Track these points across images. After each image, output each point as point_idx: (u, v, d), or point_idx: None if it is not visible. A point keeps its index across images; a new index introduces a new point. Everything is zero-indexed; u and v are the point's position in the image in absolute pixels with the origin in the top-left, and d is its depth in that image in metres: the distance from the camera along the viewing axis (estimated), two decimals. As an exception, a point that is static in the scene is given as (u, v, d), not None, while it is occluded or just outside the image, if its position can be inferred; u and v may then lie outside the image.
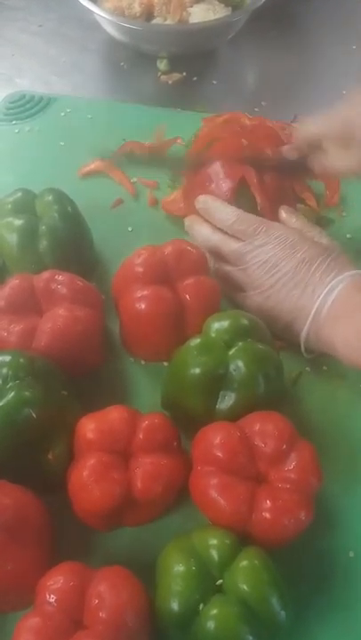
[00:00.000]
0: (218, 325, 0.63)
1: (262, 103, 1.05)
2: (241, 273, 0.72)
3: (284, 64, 1.14)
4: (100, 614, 0.48)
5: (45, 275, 0.67)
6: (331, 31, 1.21)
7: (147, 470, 0.55)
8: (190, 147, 0.89)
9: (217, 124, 0.90)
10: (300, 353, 0.72)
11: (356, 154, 0.70)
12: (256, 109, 1.03)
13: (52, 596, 0.49)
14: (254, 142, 0.83)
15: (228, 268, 0.73)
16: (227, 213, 0.73)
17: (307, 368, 0.72)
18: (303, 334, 0.68)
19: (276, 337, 0.70)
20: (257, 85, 1.13)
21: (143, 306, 0.65)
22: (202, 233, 0.76)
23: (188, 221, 0.79)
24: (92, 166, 0.90)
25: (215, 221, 0.75)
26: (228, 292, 0.75)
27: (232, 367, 0.60)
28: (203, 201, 0.77)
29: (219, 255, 0.74)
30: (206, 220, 0.77)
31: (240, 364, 0.60)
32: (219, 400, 0.61)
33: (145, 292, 0.66)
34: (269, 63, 1.15)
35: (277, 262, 0.69)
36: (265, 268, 0.69)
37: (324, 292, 0.66)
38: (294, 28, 1.22)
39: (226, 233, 0.74)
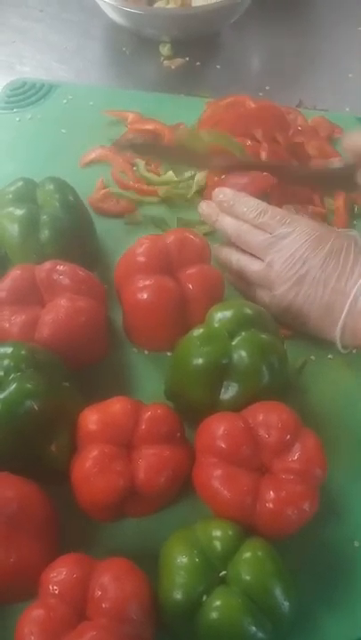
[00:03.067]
0: (221, 315, 0.62)
1: (266, 88, 1.03)
2: (267, 268, 0.69)
3: (288, 47, 1.12)
4: (104, 606, 0.48)
5: (47, 265, 0.66)
6: (336, 13, 1.19)
7: (150, 461, 0.55)
8: (194, 132, 0.88)
9: (221, 106, 0.89)
10: (305, 341, 0.71)
11: None
12: (260, 94, 1.01)
13: (55, 587, 0.49)
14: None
15: (256, 267, 0.70)
16: (252, 205, 0.71)
17: (312, 357, 0.71)
18: (338, 329, 0.66)
19: (302, 332, 0.70)
20: (261, 70, 1.11)
21: (146, 296, 0.65)
22: (228, 223, 0.73)
23: (206, 208, 0.76)
24: (94, 154, 0.89)
25: (238, 214, 0.72)
26: (248, 292, 0.74)
27: (235, 357, 0.59)
28: (225, 193, 0.74)
29: (241, 246, 0.72)
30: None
31: (243, 354, 0.59)
32: (222, 390, 0.60)
33: (147, 282, 0.65)
34: (274, 47, 1.13)
35: (304, 254, 0.67)
36: (292, 261, 0.67)
37: (359, 282, 0.65)
38: (298, 11, 1.20)
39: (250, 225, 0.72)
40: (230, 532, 0.52)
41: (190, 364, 0.60)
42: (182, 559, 0.51)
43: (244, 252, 0.72)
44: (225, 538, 0.52)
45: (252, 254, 0.71)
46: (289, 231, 0.69)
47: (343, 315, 0.66)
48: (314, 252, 0.67)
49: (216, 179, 0.80)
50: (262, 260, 0.70)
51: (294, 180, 0.77)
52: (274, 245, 0.69)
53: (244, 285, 0.74)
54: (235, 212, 0.72)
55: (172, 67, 1.08)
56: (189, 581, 0.50)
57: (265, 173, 0.77)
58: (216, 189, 0.75)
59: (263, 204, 0.71)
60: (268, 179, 0.77)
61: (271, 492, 0.53)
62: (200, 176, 0.84)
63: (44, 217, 0.71)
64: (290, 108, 0.94)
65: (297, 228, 0.69)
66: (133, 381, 0.69)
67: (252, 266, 0.71)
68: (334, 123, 0.93)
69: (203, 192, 0.83)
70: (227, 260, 0.74)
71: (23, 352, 0.58)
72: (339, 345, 0.68)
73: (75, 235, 0.72)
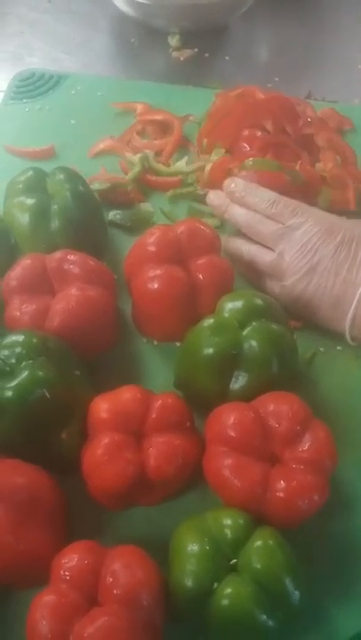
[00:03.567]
0: (231, 305, 0.62)
1: (275, 79, 1.03)
2: (278, 259, 0.69)
3: (297, 39, 1.12)
4: (115, 592, 0.48)
5: (57, 254, 0.66)
6: (345, 4, 1.18)
7: (160, 450, 0.55)
8: (203, 123, 0.88)
9: (230, 97, 0.88)
10: (314, 333, 0.71)
11: None
12: (269, 85, 1.01)
13: (66, 573, 0.49)
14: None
15: (268, 258, 0.70)
16: (264, 196, 0.71)
17: (321, 348, 0.71)
18: (348, 320, 0.66)
19: (311, 323, 0.70)
20: (270, 61, 1.11)
21: (156, 285, 0.65)
22: (239, 213, 0.73)
23: (215, 199, 0.76)
24: (103, 145, 0.89)
25: (250, 204, 0.72)
26: (258, 282, 0.73)
27: (246, 347, 0.59)
28: (237, 183, 0.74)
29: (252, 237, 0.72)
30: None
31: (254, 344, 0.59)
32: (232, 380, 0.60)
33: (157, 272, 0.65)
34: (283, 38, 1.12)
35: (316, 245, 0.67)
36: (303, 251, 0.67)
37: None
38: (307, 2, 1.19)
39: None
40: (241, 521, 0.52)
41: (201, 354, 0.60)
42: (193, 547, 0.51)
43: (254, 242, 0.72)
44: (236, 526, 0.52)
45: (262, 245, 0.71)
46: (301, 222, 0.68)
47: (353, 306, 0.66)
48: (325, 243, 0.67)
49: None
50: (273, 251, 0.70)
51: None
52: (286, 236, 0.69)
53: (254, 276, 0.74)
54: (246, 202, 0.72)
55: (181, 58, 1.08)
56: (200, 569, 0.50)
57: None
58: (227, 180, 0.75)
59: (275, 195, 0.71)
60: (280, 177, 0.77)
61: (281, 482, 0.54)
62: (210, 167, 0.84)
63: (55, 207, 0.71)
64: (299, 100, 0.94)
65: (309, 218, 0.69)
66: (143, 371, 0.69)
67: (264, 256, 0.71)
68: (344, 114, 0.93)
69: (210, 183, 0.83)
70: (237, 250, 0.73)
71: (35, 340, 0.58)
72: (348, 336, 0.68)
73: (85, 224, 0.72)
